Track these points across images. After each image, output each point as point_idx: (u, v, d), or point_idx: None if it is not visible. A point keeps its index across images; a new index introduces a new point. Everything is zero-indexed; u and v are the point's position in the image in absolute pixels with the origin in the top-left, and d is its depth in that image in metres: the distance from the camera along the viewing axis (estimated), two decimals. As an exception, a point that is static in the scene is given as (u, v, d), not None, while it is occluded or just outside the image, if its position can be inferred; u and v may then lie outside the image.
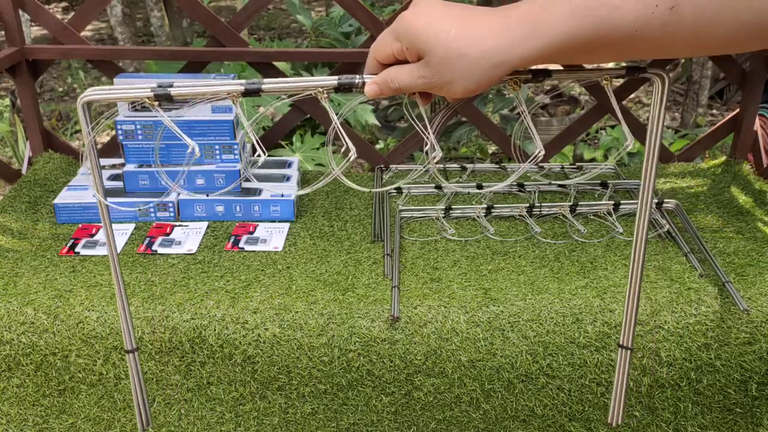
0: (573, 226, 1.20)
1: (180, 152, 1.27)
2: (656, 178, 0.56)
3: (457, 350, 0.94)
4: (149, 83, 0.63)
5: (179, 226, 1.22)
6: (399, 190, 1.35)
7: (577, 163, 1.47)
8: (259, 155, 0.64)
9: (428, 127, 0.61)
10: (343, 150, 0.65)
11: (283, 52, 1.42)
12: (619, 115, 0.63)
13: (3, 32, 1.45)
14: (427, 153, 0.62)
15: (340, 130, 0.63)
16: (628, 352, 0.78)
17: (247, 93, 0.62)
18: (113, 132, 1.46)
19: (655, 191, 1.34)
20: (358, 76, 0.62)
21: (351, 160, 0.63)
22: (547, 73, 0.62)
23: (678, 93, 3.88)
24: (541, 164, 1.46)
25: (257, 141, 0.64)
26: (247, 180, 1.30)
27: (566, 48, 0.55)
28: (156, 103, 0.62)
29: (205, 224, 1.23)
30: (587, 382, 0.95)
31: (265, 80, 0.63)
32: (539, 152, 0.63)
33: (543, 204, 1.24)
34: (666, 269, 1.05)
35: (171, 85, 0.62)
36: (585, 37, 0.54)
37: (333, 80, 0.62)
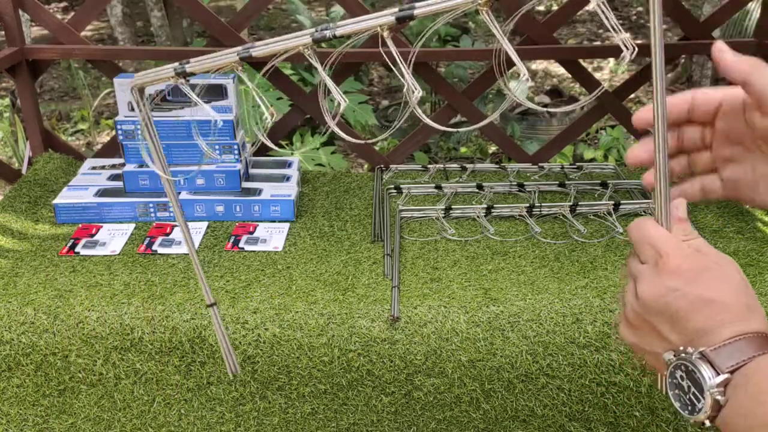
0: (573, 226, 1.20)
1: (180, 152, 1.27)
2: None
3: (457, 350, 0.94)
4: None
5: (179, 226, 1.22)
6: (399, 189, 1.35)
7: (577, 163, 1.47)
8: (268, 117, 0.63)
9: (404, 66, 0.60)
10: (336, 106, 0.64)
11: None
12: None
13: (3, 32, 1.45)
14: (407, 95, 0.61)
15: (330, 84, 0.62)
16: None
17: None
18: (113, 132, 1.46)
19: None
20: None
21: (341, 111, 0.63)
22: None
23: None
24: (541, 164, 1.46)
25: (261, 98, 0.63)
26: (248, 180, 1.30)
27: None
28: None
29: (205, 224, 1.23)
30: (587, 382, 0.95)
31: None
32: (523, 76, 0.61)
33: (543, 204, 1.24)
34: (666, 269, 1.05)
35: (188, 62, 0.62)
36: None
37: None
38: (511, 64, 0.62)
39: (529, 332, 0.94)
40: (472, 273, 1.06)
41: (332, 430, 0.99)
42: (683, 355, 0.49)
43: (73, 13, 1.44)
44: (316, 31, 0.60)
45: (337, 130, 0.63)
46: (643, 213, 1.23)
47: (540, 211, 1.24)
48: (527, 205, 1.24)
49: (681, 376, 0.50)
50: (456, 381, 0.95)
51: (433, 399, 0.96)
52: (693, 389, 0.49)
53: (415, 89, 0.59)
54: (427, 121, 0.62)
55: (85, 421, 1.00)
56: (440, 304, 0.97)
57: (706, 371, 0.47)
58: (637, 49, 0.55)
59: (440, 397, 0.96)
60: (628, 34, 0.53)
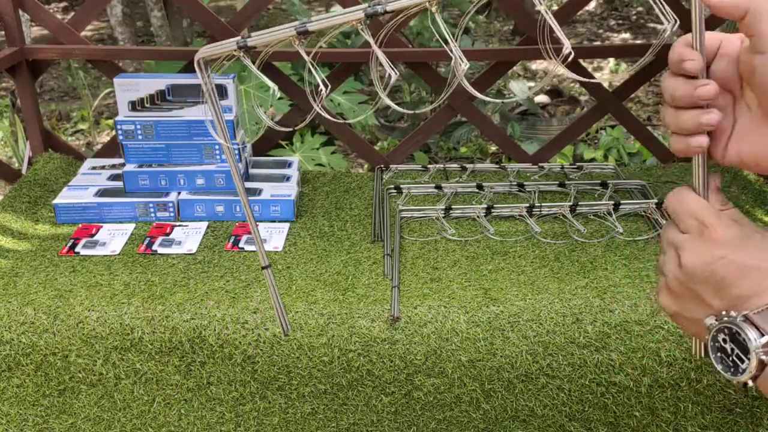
0: (573, 226, 1.20)
1: (180, 152, 1.27)
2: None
3: (457, 350, 0.94)
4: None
5: (179, 226, 1.22)
6: (399, 189, 1.35)
7: (577, 163, 1.47)
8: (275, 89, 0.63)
9: (452, 41, 0.60)
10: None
11: (283, 52, 1.43)
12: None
13: (3, 32, 1.45)
14: (454, 70, 0.61)
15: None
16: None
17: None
18: (113, 132, 1.46)
19: (655, 191, 1.34)
20: None
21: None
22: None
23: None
24: (541, 164, 1.46)
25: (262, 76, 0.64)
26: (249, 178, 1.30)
27: None
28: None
29: (205, 224, 1.23)
30: (587, 382, 0.95)
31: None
32: (565, 50, 0.61)
33: (543, 204, 1.24)
34: (666, 269, 1.05)
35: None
36: None
37: None
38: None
39: (529, 332, 0.94)
40: (472, 273, 1.06)
41: (332, 430, 0.99)
42: (726, 318, 0.51)
43: (73, 13, 1.44)
44: (369, 6, 0.60)
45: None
46: (642, 213, 1.23)
47: (540, 211, 1.24)
48: (527, 205, 1.24)
49: (724, 339, 0.52)
50: (456, 381, 0.95)
51: (433, 399, 0.96)
52: (736, 351, 0.51)
53: (463, 61, 0.60)
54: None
55: (85, 421, 1.00)
56: (440, 304, 0.97)
57: (751, 333, 0.49)
58: (678, 21, 0.54)
59: (440, 397, 0.96)
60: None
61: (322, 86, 0.62)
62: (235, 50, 0.65)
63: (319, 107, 0.63)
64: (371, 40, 0.61)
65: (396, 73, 0.63)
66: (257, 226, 0.78)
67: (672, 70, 0.57)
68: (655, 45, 0.58)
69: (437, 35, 0.61)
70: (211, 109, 0.69)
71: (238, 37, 0.65)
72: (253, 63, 0.65)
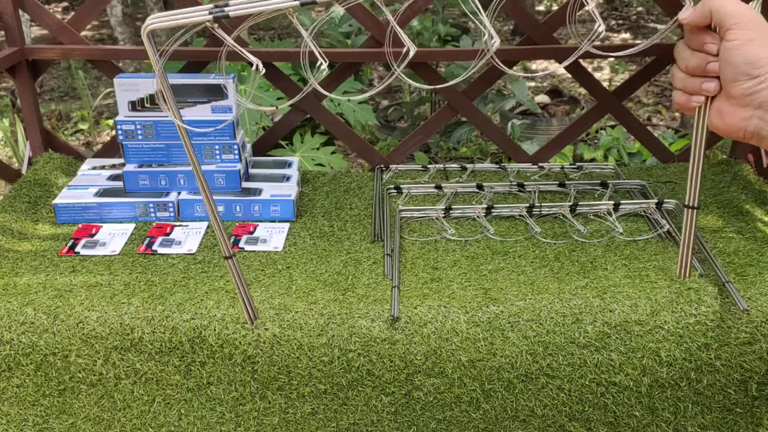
0: (573, 226, 1.20)
1: (180, 152, 1.27)
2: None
3: (457, 350, 0.94)
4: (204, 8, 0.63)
5: (179, 226, 1.22)
6: (399, 189, 1.35)
7: (577, 163, 1.47)
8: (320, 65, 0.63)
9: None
10: (318, 65, 0.64)
11: (283, 52, 1.43)
12: None
13: (3, 32, 1.45)
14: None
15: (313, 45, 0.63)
16: (694, 211, 0.92)
17: (304, 4, 0.61)
18: (113, 132, 1.46)
19: (655, 191, 1.34)
20: None
21: (323, 69, 0.63)
22: None
23: (678, 93, 3.88)
24: (541, 164, 1.46)
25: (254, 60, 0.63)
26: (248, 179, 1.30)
27: None
28: (216, 25, 0.63)
29: (205, 224, 1.23)
30: (587, 382, 0.95)
31: None
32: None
33: (543, 204, 1.24)
34: (666, 269, 1.05)
35: (227, 5, 0.62)
36: None
37: None
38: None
39: (529, 332, 0.94)
40: (472, 273, 1.06)
41: (332, 430, 0.99)
42: None
43: (73, 13, 1.44)
44: None
45: (319, 88, 0.63)
46: (642, 213, 1.23)
47: (540, 211, 1.24)
48: (527, 205, 1.24)
49: None
50: (456, 381, 0.95)
51: (433, 399, 0.96)
52: None
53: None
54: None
55: (85, 421, 1.00)
56: (440, 304, 0.97)
57: None
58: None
59: (440, 397, 0.96)
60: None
61: (321, 60, 0.62)
62: (209, 21, 0.64)
63: (315, 82, 0.63)
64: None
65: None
66: (211, 197, 0.77)
67: (691, 45, 0.74)
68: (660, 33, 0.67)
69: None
70: (162, 86, 0.68)
71: (211, 5, 0.64)
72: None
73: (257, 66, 0.64)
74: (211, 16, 0.62)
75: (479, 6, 0.60)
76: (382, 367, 0.95)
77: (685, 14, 0.73)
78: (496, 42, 0.60)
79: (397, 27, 0.62)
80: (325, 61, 0.63)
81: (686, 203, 0.93)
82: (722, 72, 0.71)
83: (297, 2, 0.61)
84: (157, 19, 0.65)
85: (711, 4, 0.70)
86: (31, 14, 1.42)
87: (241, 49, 0.63)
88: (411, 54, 0.62)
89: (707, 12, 0.71)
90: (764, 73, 0.69)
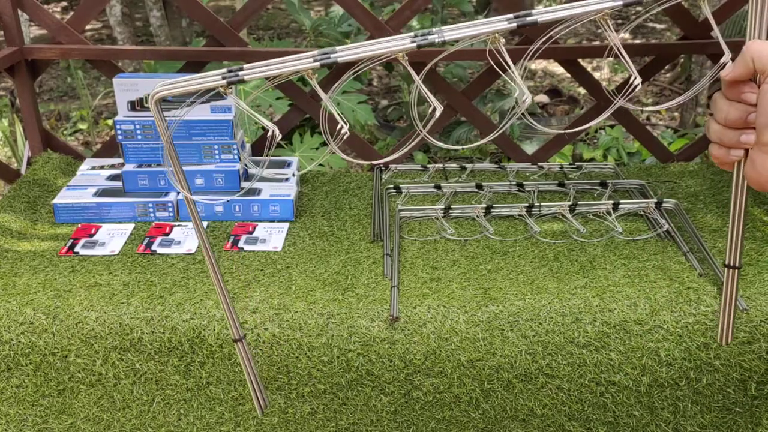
0: (572, 226, 1.20)
1: (179, 152, 1.27)
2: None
3: (457, 350, 0.94)
4: (215, 74, 0.61)
5: (178, 226, 1.22)
6: (398, 189, 1.35)
7: (577, 163, 1.47)
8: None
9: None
10: (338, 128, 0.64)
11: (283, 51, 1.43)
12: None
13: (2, 32, 1.45)
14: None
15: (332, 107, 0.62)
16: (736, 271, 0.88)
17: (324, 65, 0.60)
18: (112, 132, 1.46)
19: (655, 191, 1.34)
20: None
21: (344, 132, 0.63)
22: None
23: (677, 93, 3.88)
24: (540, 164, 1.46)
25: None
26: (248, 177, 1.30)
27: None
28: (230, 90, 0.61)
29: (204, 224, 1.23)
30: (586, 381, 0.95)
31: (338, 49, 0.61)
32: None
33: (542, 204, 1.24)
34: (665, 269, 1.05)
35: (241, 69, 0.61)
36: None
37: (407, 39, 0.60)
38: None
39: (529, 332, 0.94)
40: (471, 273, 1.06)
41: (332, 430, 0.99)
42: None
43: (72, 13, 1.44)
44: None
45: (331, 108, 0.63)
46: (642, 213, 1.23)
47: (539, 210, 1.24)
48: (526, 204, 1.24)
49: None
50: (455, 381, 0.95)
51: (433, 399, 0.96)
52: None
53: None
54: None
55: (84, 421, 1.00)
56: (440, 303, 0.97)
57: None
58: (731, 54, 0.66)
59: (439, 397, 0.96)
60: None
61: (342, 124, 0.61)
62: (222, 86, 0.62)
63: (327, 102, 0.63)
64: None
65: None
66: (192, 194, 0.75)
67: (729, 96, 0.70)
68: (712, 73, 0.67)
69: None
70: (171, 159, 0.66)
71: (224, 70, 0.63)
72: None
73: (273, 131, 0.63)
74: (225, 81, 0.61)
75: (510, 63, 0.60)
76: (381, 366, 0.95)
77: (727, 71, 0.69)
78: (528, 99, 0.60)
79: (422, 86, 0.62)
80: (346, 125, 0.62)
81: (726, 262, 0.87)
82: (759, 117, 0.67)
83: (317, 63, 0.60)
84: (167, 86, 0.62)
85: (750, 52, 0.66)
86: (30, 14, 1.42)
87: (256, 115, 0.62)
88: (437, 114, 0.62)
89: (749, 61, 0.67)
90: None
